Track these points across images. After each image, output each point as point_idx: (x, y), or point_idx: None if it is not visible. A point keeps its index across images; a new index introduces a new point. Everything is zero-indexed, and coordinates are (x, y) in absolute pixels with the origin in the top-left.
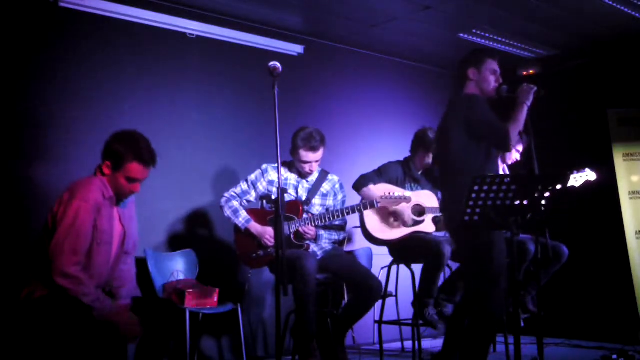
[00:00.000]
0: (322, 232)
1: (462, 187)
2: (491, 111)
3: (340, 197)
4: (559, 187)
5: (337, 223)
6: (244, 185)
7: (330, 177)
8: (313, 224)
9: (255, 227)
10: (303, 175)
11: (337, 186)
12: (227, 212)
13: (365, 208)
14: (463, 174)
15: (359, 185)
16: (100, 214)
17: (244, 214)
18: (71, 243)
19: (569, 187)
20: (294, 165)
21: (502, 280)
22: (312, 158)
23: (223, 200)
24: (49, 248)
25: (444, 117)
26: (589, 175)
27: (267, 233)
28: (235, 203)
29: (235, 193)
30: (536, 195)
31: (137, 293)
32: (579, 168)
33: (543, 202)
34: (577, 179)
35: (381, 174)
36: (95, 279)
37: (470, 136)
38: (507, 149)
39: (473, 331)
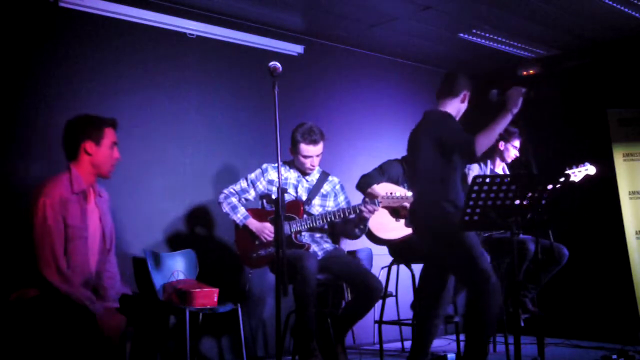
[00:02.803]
0: (317, 235)
1: (428, 193)
2: (460, 125)
3: (341, 197)
4: (558, 185)
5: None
6: (243, 183)
7: (330, 178)
8: (314, 224)
9: (253, 223)
10: (304, 172)
11: (338, 187)
12: (226, 208)
13: None
14: (428, 182)
15: (364, 184)
16: (67, 210)
17: (242, 210)
18: (48, 242)
19: (569, 181)
20: (294, 164)
21: (495, 279)
22: (314, 152)
23: (221, 196)
24: (33, 248)
25: (418, 125)
26: (589, 169)
27: (266, 228)
28: (234, 200)
29: (234, 190)
30: (536, 194)
31: (125, 290)
32: (578, 162)
33: (544, 201)
34: (576, 174)
35: (383, 172)
36: (78, 275)
37: (438, 150)
38: (471, 159)
39: (472, 336)
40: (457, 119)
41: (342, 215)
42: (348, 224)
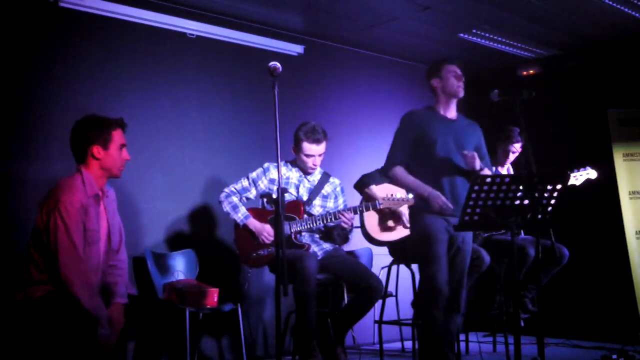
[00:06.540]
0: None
1: None
2: (410, 133)
3: (341, 200)
4: (559, 186)
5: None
6: (244, 182)
7: (331, 179)
8: (315, 225)
9: (253, 223)
10: (306, 172)
11: (338, 189)
12: (227, 207)
13: (367, 209)
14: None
15: (362, 184)
16: (88, 214)
17: (243, 209)
18: (77, 260)
19: (570, 185)
20: (297, 163)
21: None
22: (316, 151)
23: (222, 195)
24: (57, 259)
25: None
26: (590, 173)
27: (265, 230)
28: (235, 199)
29: (235, 189)
30: (537, 194)
31: (132, 291)
32: (580, 166)
33: (552, 201)
34: (577, 177)
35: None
36: (93, 278)
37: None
38: (383, 171)
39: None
40: (454, 94)
41: (333, 219)
42: (333, 228)
